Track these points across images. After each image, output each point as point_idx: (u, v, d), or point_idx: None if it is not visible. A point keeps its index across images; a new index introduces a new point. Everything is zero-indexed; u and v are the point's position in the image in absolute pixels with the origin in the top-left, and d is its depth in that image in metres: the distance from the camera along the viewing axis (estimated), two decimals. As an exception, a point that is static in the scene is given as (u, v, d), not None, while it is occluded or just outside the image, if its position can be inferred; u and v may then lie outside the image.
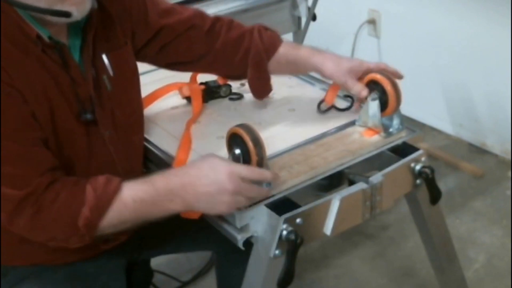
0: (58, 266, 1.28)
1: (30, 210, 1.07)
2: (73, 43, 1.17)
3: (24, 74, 1.07)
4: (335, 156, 1.27)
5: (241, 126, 1.14)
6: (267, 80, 1.43)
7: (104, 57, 1.21)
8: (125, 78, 1.26)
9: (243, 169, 1.09)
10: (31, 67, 1.09)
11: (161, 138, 1.39)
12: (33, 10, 1.05)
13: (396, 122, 1.32)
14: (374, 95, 1.29)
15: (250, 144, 1.11)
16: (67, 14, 1.07)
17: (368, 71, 1.32)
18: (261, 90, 1.45)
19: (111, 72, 1.21)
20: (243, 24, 1.43)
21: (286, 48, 1.40)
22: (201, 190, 1.09)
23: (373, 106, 1.30)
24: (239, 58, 1.39)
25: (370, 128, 1.33)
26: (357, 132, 1.34)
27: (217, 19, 1.41)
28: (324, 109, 1.43)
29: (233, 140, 1.15)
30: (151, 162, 1.36)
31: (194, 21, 1.37)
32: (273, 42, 1.40)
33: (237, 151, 1.14)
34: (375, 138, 1.32)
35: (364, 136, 1.32)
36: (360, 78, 1.33)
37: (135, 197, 1.10)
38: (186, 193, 1.10)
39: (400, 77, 1.33)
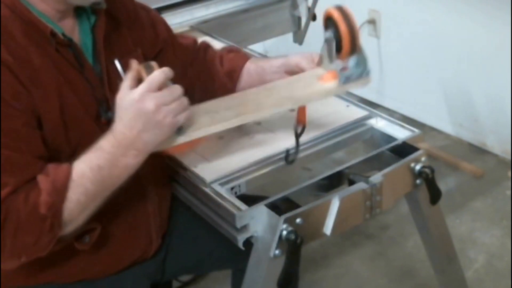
0: (75, 283, 1.24)
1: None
2: (85, 44, 1.17)
3: (36, 70, 1.06)
4: (272, 102, 1.21)
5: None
6: None
7: (117, 62, 1.19)
8: None
9: (144, 86, 1.07)
10: (44, 64, 1.08)
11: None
12: None
13: (352, 65, 1.20)
14: (329, 34, 1.19)
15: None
16: None
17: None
18: None
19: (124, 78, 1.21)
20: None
21: (254, 64, 1.41)
22: (137, 128, 1.06)
23: (327, 46, 1.21)
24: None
25: (329, 71, 1.23)
26: (316, 76, 1.25)
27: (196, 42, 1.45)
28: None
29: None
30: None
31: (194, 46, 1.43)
32: (234, 64, 1.41)
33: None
34: (330, 85, 1.22)
35: (319, 82, 1.23)
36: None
37: (91, 165, 1.08)
38: (131, 140, 1.07)
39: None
